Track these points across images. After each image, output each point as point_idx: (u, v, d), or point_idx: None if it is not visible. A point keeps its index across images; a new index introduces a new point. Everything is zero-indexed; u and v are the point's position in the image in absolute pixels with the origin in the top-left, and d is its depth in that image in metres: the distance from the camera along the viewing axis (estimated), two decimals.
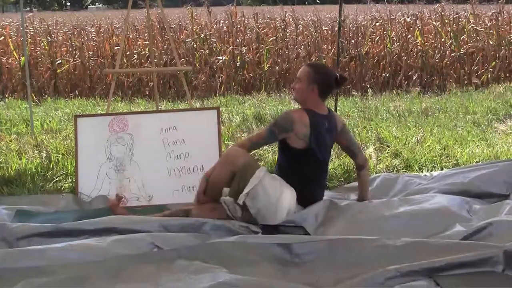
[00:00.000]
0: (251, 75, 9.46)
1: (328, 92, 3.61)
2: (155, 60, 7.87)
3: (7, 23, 11.88)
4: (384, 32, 10.12)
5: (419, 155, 4.86)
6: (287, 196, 3.33)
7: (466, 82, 9.29)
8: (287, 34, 10.27)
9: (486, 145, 5.22)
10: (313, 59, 9.51)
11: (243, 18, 10.68)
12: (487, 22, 10.65)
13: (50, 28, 10.93)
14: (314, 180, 3.56)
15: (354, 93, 8.64)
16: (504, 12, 10.82)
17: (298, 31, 10.35)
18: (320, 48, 9.68)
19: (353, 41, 9.85)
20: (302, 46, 9.91)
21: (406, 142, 5.28)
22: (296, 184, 3.41)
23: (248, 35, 10.21)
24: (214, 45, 9.81)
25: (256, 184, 3.23)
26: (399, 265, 2.47)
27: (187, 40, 9.79)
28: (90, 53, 9.77)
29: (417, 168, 4.64)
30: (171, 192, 4.11)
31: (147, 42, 9.12)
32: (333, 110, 3.84)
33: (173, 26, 10.43)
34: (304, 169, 3.48)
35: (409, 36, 10.05)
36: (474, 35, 10.10)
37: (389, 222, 3.19)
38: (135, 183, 4.15)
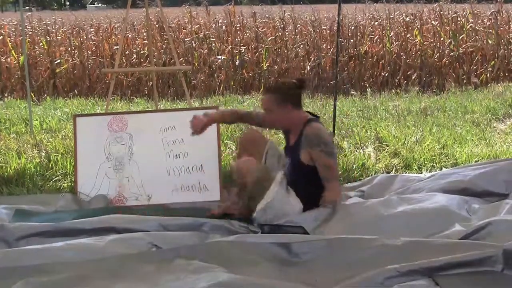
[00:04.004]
0: (250, 74, 9.45)
1: (300, 99, 3.49)
2: (154, 60, 7.87)
3: (5, 23, 11.87)
4: (383, 32, 10.12)
5: (418, 154, 4.86)
6: (294, 210, 3.33)
7: (465, 81, 9.28)
8: (286, 33, 10.27)
9: (485, 145, 5.23)
10: (312, 59, 9.51)
11: (241, 18, 10.68)
12: (486, 21, 10.65)
13: (49, 27, 10.92)
14: (318, 194, 3.50)
15: (353, 92, 8.63)
16: (503, 11, 10.82)
17: (297, 30, 10.35)
18: (319, 47, 9.68)
19: (352, 40, 9.85)
20: (301, 46, 9.92)
21: (405, 142, 5.28)
22: (302, 198, 3.40)
23: (247, 34, 10.21)
24: (213, 44, 9.80)
25: (271, 200, 3.25)
26: (398, 265, 2.48)
27: (186, 39, 9.78)
28: (89, 52, 9.77)
29: (416, 167, 4.64)
30: (170, 191, 4.10)
31: (146, 42, 9.12)
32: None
33: (172, 26, 10.43)
34: (311, 184, 3.41)
35: (408, 36, 10.05)
36: (473, 34, 10.11)
37: (388, 221, 3.18)
38: (134, 182, 4.14)
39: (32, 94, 8.29)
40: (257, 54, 9.64)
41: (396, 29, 10.39)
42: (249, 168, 3.39)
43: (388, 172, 4.55)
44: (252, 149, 3.63)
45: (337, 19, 6.28)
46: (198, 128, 3.63)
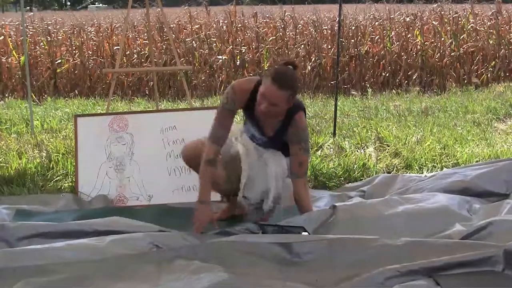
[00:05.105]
0: (251, 74, 9.45)
1: None
2: (155, 60, 7.86)
3: (6, 23, 11.88)
4: (384, 32, 10.12)
5: (419, 154, 4.86)
6: (272, 163, 3.36)
7: (466, 81, 9.28)
8: (287, 33, 10.27)
9: (486, 145, 5.22)
10: (313, 59, 9.50)
11: (242, 18, 10.68)
12: (486, 21, 10.65)
13: (49, 27, 10.93)
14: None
15: (353, 92, 8.63)
16: (504, 11, 10.81)
17: (297, 30, 10.35)
18: (320, 47, 9.68)
19: (352, 40, 9.84)
20: (302, 46, 9.91)
21: (406, 142, 5.27)
22: None
23: (248, 34, 10.21)
24: (214, 44, 9.80)
25: (248, 172, 3.27)
26: (399, 265, 2.47)
27: (186, 39, 9.79)
28: (90, 52, 9.77)
29: (417, 167, 4.64)
30: (171, 191, 4.11)
31: (147, 42, 9.12)
32: None
33: (172, 26, 10.43)
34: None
35: (408, 36, 10.05)
36: (474, 34, 10.10)
37: (389, 221, 3.18)
38: (135, 182, 4.14)
39: (33, 94, 8.29)
40: (258, 54, 9.64)
41: (397, 29, 10.39)
42: (195, 151, 3.38)
43: (389, 172, 4.55)
44: (198, 160, 3.43)
45: (338, 19, 6.29)
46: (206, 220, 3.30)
